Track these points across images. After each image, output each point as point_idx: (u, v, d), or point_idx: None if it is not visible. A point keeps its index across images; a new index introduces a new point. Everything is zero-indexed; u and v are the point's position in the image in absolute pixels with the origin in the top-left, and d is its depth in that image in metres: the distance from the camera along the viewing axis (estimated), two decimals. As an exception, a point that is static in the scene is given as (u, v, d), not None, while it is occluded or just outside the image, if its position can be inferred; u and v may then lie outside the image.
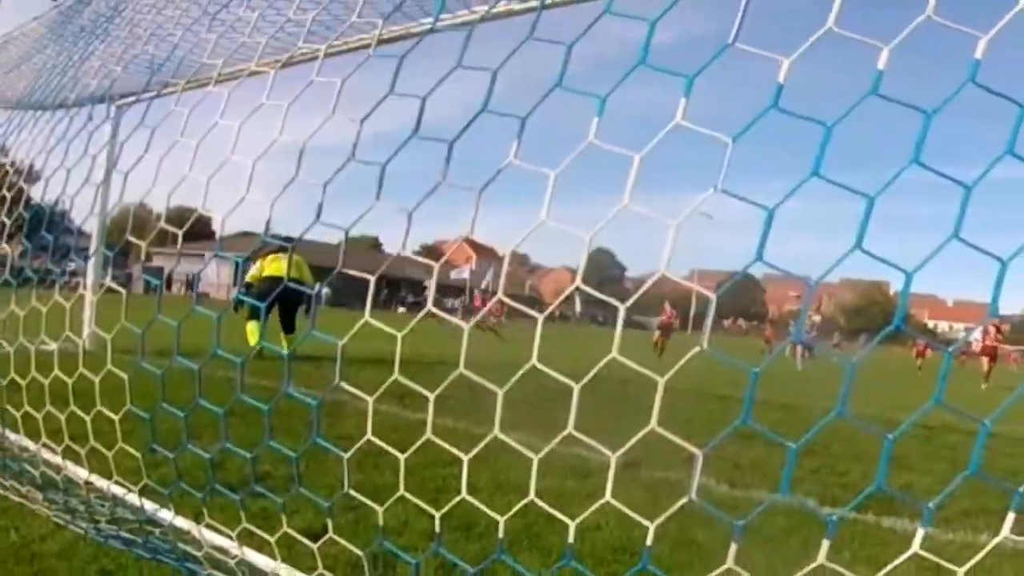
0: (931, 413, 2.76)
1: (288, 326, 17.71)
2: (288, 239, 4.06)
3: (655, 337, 39.24)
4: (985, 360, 31.22)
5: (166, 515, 4.76)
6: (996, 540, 2.74)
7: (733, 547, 2.58)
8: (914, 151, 2.33)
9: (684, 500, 2.83)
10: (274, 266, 17.59)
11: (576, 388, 2.71)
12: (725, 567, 2.61)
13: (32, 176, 5.97)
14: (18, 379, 4.94)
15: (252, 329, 16.82)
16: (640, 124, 2.81)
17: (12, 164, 6.24)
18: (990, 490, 7.74)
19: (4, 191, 5.82)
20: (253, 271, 18.00)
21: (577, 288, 3.00)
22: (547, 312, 3.15)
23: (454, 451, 3.19)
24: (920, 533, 2.64)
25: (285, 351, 14.71)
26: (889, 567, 2.86)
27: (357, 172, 3.47)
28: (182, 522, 4.71)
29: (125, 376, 4.15)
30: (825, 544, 2.50)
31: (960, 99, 2.32)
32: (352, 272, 3.33)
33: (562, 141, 2.80)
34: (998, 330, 30.23)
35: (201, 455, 4.43)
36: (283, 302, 16.79)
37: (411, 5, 5.25)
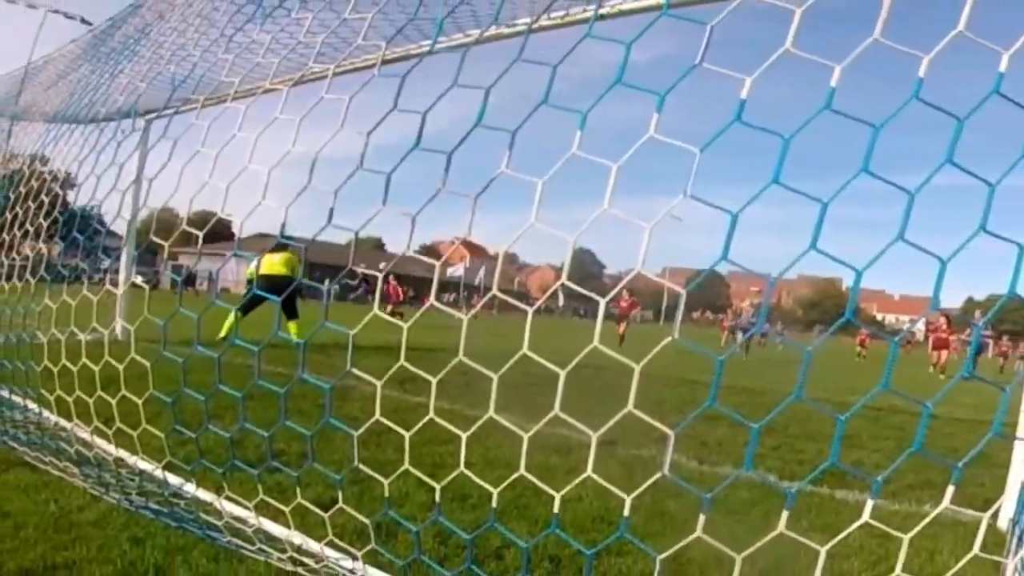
0: (879, 396, 2.78)
1: (290, 313, 17.62)
2: (289, 238, 4.05)
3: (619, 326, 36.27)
4: (937, 352, 31.28)
5: (190, 488, 4.76)
6: (938, 510, 2.76)
7: (702, 517, 2.59)
8: (863, 161, 2.36)
9: (657, 475, 2.85)
10: (268, 264, 17.52)
11: (562, 375, 2.72)
12: (694, 535, 2.63)
13: (68, 183, 5.97)
14: (51, 366, 4.94)
15: (229, 320, 16.35)
16: (618, 137, 2.83)
17: (50, 172, 6.24)
18: (932, 466, 7.78)
19: (42, 196, 5.81)
20: (251, 268, 18.02)
21: (561, 284, 3.02)
22: (536, 306, 3.16)
23: (452, 429, 3.20)
24: (869, 504, 2.66)
25: (293, 338, 14.66)
26: (842, 534, 2.89)
27: (364, 180, 3.49)
28: (204, 495, 4.72)
29: (148, 364, 4.15)
30: (784, 514, 2.52)
31: (905, 114, 2.35)
32: (364, 271, 3.35)
33: (548, 152, 2.82)
34: (948, 323, 30.24)
35: (221, 434, 4.44)
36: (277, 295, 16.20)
37: (411, 29, 5.25)
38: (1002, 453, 6.34)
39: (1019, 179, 2.68)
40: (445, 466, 5.94)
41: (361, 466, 3.96)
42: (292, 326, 17.32)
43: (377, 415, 3.31)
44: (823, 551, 2.62)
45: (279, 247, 16.52)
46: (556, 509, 3.09)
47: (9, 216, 6.15)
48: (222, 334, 15.63)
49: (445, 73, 3.34)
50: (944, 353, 30.64)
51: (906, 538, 2.67)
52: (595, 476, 2.78)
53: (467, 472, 3.30)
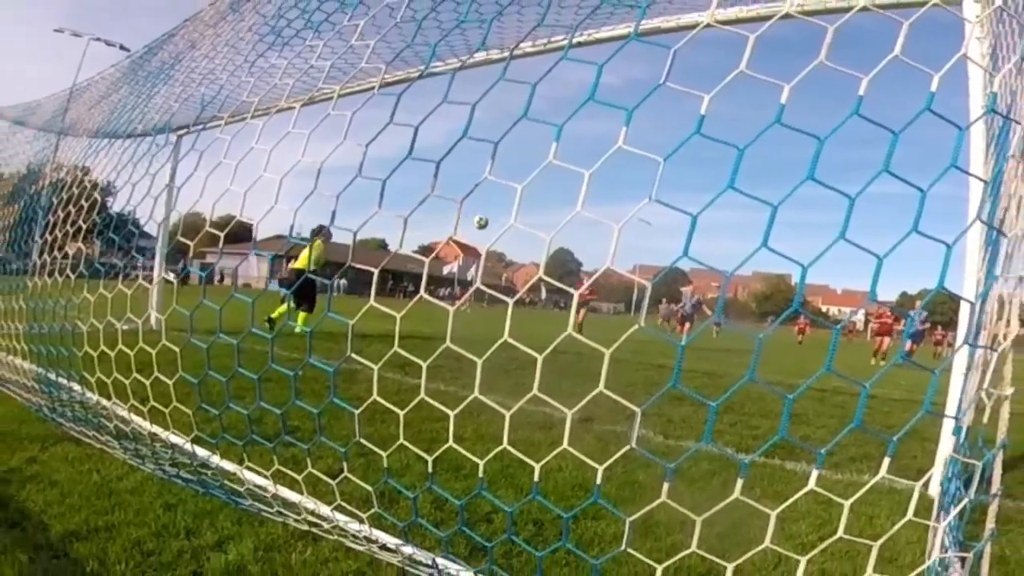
0: (823, 378, 2.76)
1: (308, 304, 16.94)
2: (303, 238, 4.06)
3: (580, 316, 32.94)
4: (879, 339, 31.29)
5: (215, 459, 4.76)
6: (875, 479, 2.75)
7: (666, 485, 2.60)
8: (809, 170, 2.35)
9: (627, 448, 2.85)
10: (301, 259, 16.74)
11: (540, 359, 2.70)
12: (660, 501, 2.63)
13: (107, 190, 5.97)
14: (91, 352, 4.92)
15: (280, 309, 16.30)
16: (590, 148, 2.82)
17: (91, 180, 6.22)
18: (870, 440, 7.78)
19: (82, 202, 5.79)
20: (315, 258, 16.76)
21: (542, 279, 3.01)
22: (516, 298, 3.14)
23: (444, 409, 3.18)
24: (815, 474, 2.66)
25: (297, 327, 14.60)
26: (791, 500, 2.87)
27: (363, 186, 3.49)
28: (228, 465, 4.70)
29: (177, 350, 4.14)
30: (739, 482, 2.52)
31: (851, 128, 2.35)
32: (360, 266, 3.34)
33: (528, 161, 2.82)
34: (886, 312, 30.22)
35: (242, 412, 4.41)
36: (300, 286, 16.14)
37: (408, 54, 5.24)
38: (932, 429, 6.34)
39: (948, 187, 2.67)
40: (440, 440, 5.92)
41: (364, 441, 3.95)
42: (301, 316, 16.60)
43: (375, 395, 3.30)
44: (773, 515, 2.62)
45: (311, 239, 15.62)
46: (537, 478, 3.07)
47: (54, 218, 6.14)
48: (275, 319, 15.31)
49: (436, 92, 3.35)
50: (887, 340, 30.67)
51: (847, 504, 2.66)
52: (572, 449, 2.77)
53: (456, 447, 3.29)
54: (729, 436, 8.02)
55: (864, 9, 2.98)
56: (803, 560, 2.90)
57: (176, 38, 7.40)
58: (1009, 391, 2.95)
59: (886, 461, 2.52)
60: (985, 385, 3.47)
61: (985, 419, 3.07)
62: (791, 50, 2.70)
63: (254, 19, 5.98)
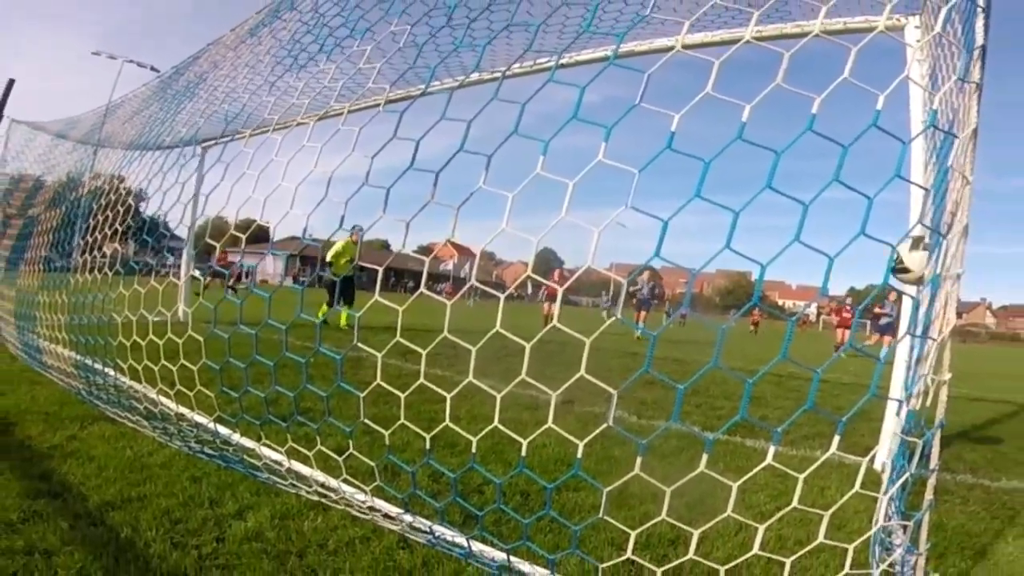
0: (779, 365, 2.78)
1: (346, 297, 15.65)
2: (316, 240, 4.07)
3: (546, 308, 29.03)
4: (842, 332, 31.16)
5: (235, 437, 4.76)
6: (826, 455, 2.76)
7: (639, 460, 2.59)
8: (767, 179, 2.37)
9: (604, 426, 2.87)
10: (349, 252, 15.57)
11: (528, 347, 2.70)
12: (633, 473, 2.64)
13: (140, 196, 5.98)
14: (125, 341, 4.91)
15: (323, 308, 15.11)
16: (573, 160, 2.84)
17: (126, 188, 6.23)
18: (822, 420, 7.80)
19: (118, 207, 5.78)
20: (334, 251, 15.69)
21: (529, 276, 3.02)
22: (506, 293, 3.14)
23: (441, 392, 3.18)
24: (772, 450, 2.67)
25: (343, 322, 14.22)
26: (750, 474, 2.87)
27: (369, 194, 3.51)
28: (247, 442, 4.70)
29: (201, 339, 4.14)
30: (704, 457, 2.53)
31: (807, 142, 2.38)
32: (366, 264, 3.35)
33: (518, 172, 2.84)
34: (847, 307, 30.18)
35: (259, 395, 4.41)
36: (343, 284, 15.23)
37: (410, 75, 5.23)
38: (877, 410, 6.35)
39: (892, 194, 2.69)
40: (438, 420, 5.91)
41: (368, 421, 3.95)
42: (344, 312, 15.56)
43: (378, 379, 3.29)
44: (735, 487, 2.63)
45: (347, 234, 14.82)
46: (524, 453, 3.07)
47: (93, 222, 6.14)
48: (319, 318, 14.08)
49: (436, 109, 3.37)
50: (847, 333, 30.56)
51: (801, 477, 2.67)
52: (555, 427, 2.77)
53: (452, 426, 3.28)
54: (695, 416, 8.02)
55: (817, 35, 3.02)
56: (761, 528, 2.91)
57: (200, 60, 7.38)
58: (947, 376, 2.96)
59: (836, 439, 2.54)
60: (925, 371, 3.50)
61: (928, 402, 3.09)
62: (753, 71, 2.71)
63: (271, 43, 5.99)
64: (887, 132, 2.34)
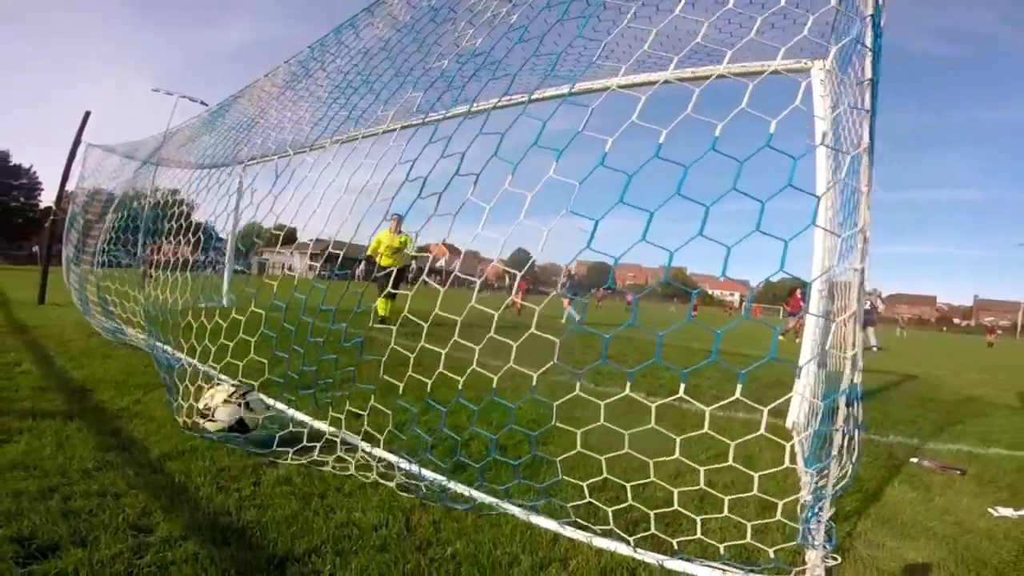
0: (721, 345, 2.85)
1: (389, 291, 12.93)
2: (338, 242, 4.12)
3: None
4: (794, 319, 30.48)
5: (270, 401, 4.76)
6: (730, 399, 2.80)
7: (601, 420, 2.72)
8: (677, 186, 2.57)
9: (572, 394, 2.97)
10: (396, 245, 13.26)
11: (517, 339, 2.72)
12: (598, 424, 3.06)
13: (192, 206, 6.03)
14: (180, 321, 4.95)
15: (378, 302, 12.88)
16: (533, 177, 2.96)
17: (181, 198, 6.27)
18: (748, 388, 7.83)
19: (176, 215, 5.82)
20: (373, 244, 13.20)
21: (505, 271, 3.10)
22: (478, 284, 3.18)
23: (445, 373, 3.19)
24: (708, 412, 2.72)
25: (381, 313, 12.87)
26: (688, 434, 2.92)
27: (382, 205, 3.61)
28: (280, 405, 4.72)
29: (241, 319, 4.16)
30: (652, 418, 2.58)
31: (761, 154, 2.48)
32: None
33: (495, 187, 2.98)
34: (800, 296, 29.43)
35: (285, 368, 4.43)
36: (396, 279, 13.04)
37: (414, 113, 5.27)
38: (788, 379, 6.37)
39: (785, 202, 2.78)
40: (437, 388, 5.93)
41: (387, 377, 3.95)
42: (381, 303, 13.07)
43: (385, 356, 3.31)
44: (678, 440, 2.71)
45: (398, 234, 13.24)
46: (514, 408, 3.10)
47: (154, 227, 6.25)
48: (380, 314, 12.63)
49: (433, 138, 3.52)
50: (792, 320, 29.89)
51: (733, 444, 2.70)
52: (535, 395, 2.81)
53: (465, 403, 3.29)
54: (644, 384, 8.04)
55: (721, 76, 3.15)
56: (701, 469, 2.96)
57: (242, 98, 7.42)
58: (851, 352, 3.02)
59: (738, 388, 2.68)
60: (828, 346, 3.54)
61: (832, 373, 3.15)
62: (676, 103, 2.79)
63: (307, 82, 6.11)
64: (778, 151, 2.45)
